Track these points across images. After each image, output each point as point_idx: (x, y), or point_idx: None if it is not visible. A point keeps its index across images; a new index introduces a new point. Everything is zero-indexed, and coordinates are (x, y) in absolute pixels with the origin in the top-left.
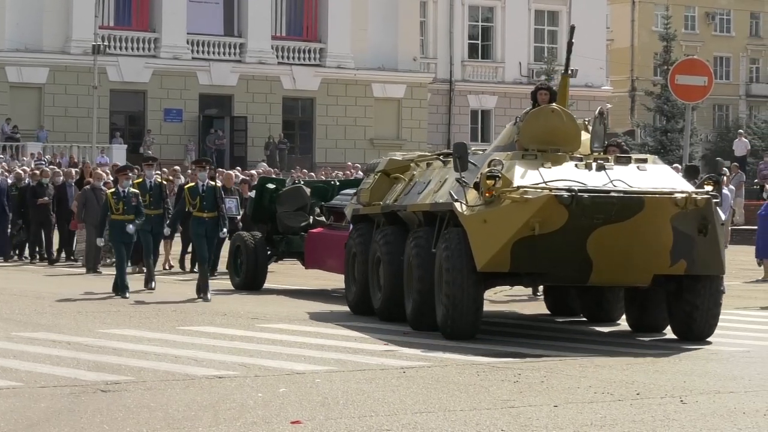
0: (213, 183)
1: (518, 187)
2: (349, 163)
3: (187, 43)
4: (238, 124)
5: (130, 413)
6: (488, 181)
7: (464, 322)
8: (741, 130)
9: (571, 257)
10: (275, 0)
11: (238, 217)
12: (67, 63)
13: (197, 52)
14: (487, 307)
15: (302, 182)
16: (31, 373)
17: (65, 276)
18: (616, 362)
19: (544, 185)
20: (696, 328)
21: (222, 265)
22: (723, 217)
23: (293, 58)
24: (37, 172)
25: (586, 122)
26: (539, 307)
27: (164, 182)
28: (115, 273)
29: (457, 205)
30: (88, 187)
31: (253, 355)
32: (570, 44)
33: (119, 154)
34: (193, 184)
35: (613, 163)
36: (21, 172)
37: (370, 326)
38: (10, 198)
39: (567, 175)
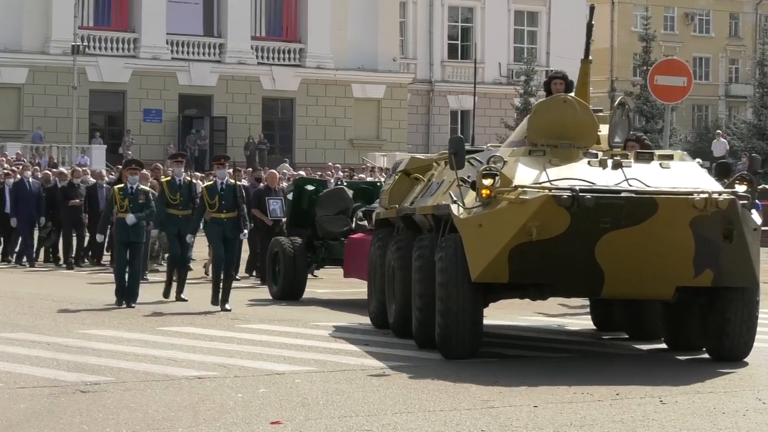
0: (233, 181)
1: (516, 187)
2: (329, 164)
3: (167, 43)
4: (218, 124)
5: (110, 414)
6: (485, 180)
7: (460, 340)
8: (719, 131)
9: (578, 266)
10: (255, 0)
11: (284, 220)
12: (47, 63)
13: (177, 52)
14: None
15: (344, 183)
16: (11, 374)
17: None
18: (596, 362)
19: (545, 185)
20: (729, 346)
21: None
22: (759, 220)
23: (273, 58)
24: (66, 172)
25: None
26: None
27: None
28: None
29: (453, 207)
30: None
31: (232, 356)
32: (590, 26)
33: (99, 154)
34: (211, 182)
35: (632, 161)
36: (49, 172)
37: (351, 327)
38: (41, 200)
39: (576, 174)
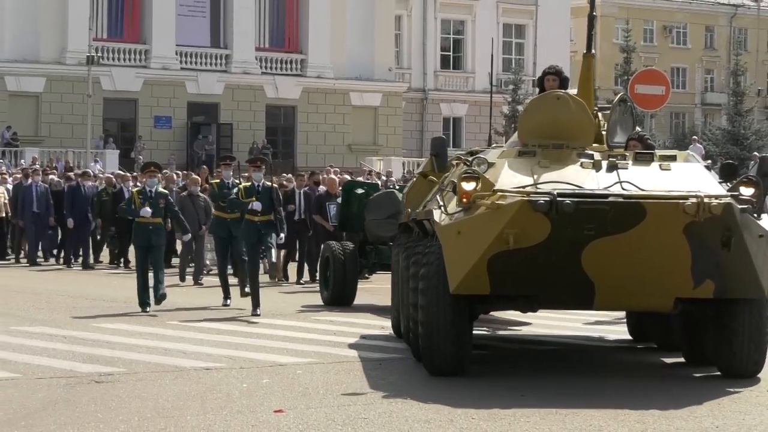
0: (270, 184)
1: (495, 191)
2: (329, 167)
3: (176, 54)
4: (224, 130)
5: (122, 403)
6: (464, 184)
7: (442, 356)
8: (696, 137)
9: (565, 277)
10: (259, 13)
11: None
12: (63, 73)
13: (185, 62)
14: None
15: (396, 187)
16: (29, 365)
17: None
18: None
19: (527, 189)
20: (737, 361)
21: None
22: (767, 226)
23: (276, 68)
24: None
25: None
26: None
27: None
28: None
29: (436, 213)
30: (185, 193)
31: (238, 348)
32: (592, 18)
33: (112, 159)
34: (248, 184)
35: (630, 162)
36: (112, 176)
37: (350, 321)
38: (94, 205)
39: (565, 177)
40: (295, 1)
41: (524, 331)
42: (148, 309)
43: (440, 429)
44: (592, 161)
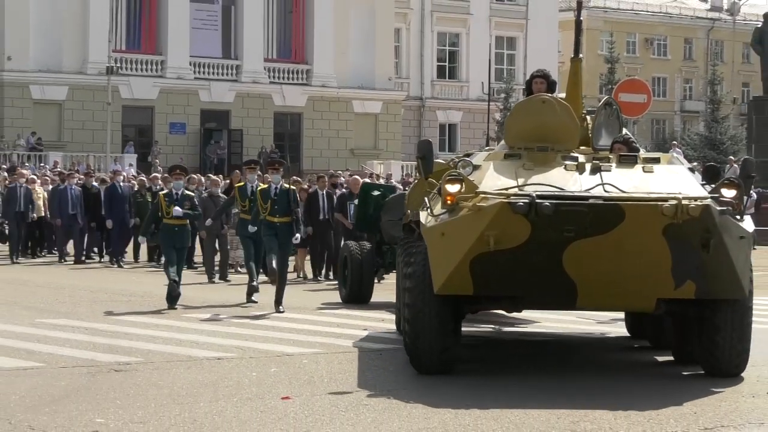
0: (287, 186)
1: (477, 194)
2: (332, 170)
3: (190, 64)
4: (235, 136)
5: (140, 390)
6: (449, 186)
7: (428, 354)
8: (675, 142)
9: (547, 277)
10: (267, 26)
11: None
12: (84, 82)
13: (199, 72)
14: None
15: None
16: (53, 355)
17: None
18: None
19: (511, 191)
20: (721, 361)
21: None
22: (749, 228)
23: (283, 78)
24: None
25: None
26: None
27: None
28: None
29: (422, 214)
30: (206, 194)
31: (248, 339)
32: (579, 23)
33: (130, 162)
34: (265, 186)
35: (614, 164)
36: (145, 179)
37: (353, 314)
38: (132, 205)
39: (548, 179)
40: (301, 15)
41: (529, 328)
42: (176, 306)
43: (437, 413)
44: (576, 164)
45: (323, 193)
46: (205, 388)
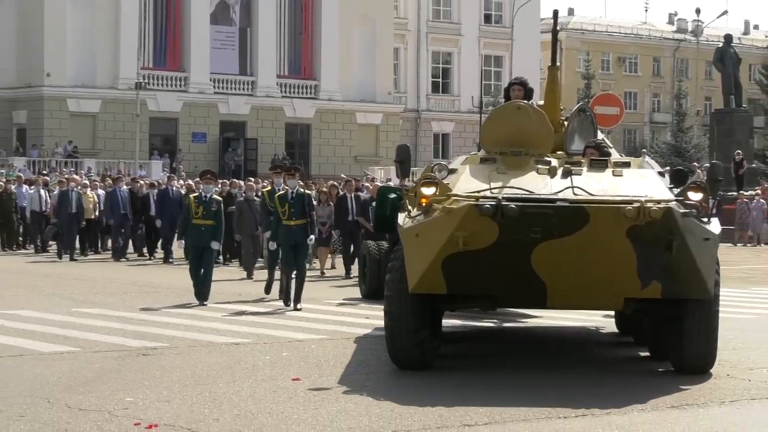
0: (302, 190)
1: (449, 196)
2: (344, 175)
3: (210, 80)
4: (250, 144)
5: (165, 372)
6: (423, 189)
7: (403, 350)
8: (645, 150)
9: (516, 277)
10: (279, 46)
11: None
12: (116, 96)
13: (218, 87)
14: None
15: None
16: (87, 341)
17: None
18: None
19: (482, 194)
20: (689, 358)
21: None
22: (715, 230)
23: (294, 92)
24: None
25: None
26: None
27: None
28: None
29: (400, 216)
30: (242, 198)
31: (262, 327)
32: (555, 32)
33: (157, 168)
34: (282, 191)
35: (585, 168)
36: (192, 183)
37: (357, 304)
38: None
39: (520, 182)
40: (310, 36)
41: (529, 323)
42: (205, 303)
43: (434, 391)
44: (548, 167)
45: (351, 196)
46: (224, 370)
